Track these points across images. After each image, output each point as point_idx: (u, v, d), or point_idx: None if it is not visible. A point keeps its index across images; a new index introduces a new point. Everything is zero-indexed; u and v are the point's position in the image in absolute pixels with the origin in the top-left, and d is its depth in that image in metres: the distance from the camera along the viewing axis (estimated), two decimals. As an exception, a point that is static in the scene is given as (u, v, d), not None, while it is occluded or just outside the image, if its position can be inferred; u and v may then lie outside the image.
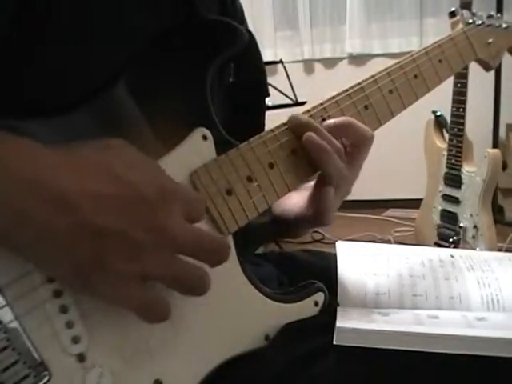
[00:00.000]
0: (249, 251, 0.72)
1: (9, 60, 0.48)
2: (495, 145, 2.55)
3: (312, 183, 0.62)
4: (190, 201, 0.46)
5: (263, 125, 0.68)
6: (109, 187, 0.41)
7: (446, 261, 0.67)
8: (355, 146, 0.60)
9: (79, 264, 0.40)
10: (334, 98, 0.61)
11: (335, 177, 0.58)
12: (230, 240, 0.53)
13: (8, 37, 0.47)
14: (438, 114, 2.12)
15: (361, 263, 0.67)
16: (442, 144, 2.10)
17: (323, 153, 0.56)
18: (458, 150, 2.01)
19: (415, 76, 0.68)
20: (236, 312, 0.52)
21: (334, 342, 0.50)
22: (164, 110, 0.53)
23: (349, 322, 0.52)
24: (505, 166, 2.58)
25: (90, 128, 0.49)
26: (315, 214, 0.61)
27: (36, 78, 0.49)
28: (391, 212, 2.97)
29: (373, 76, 0.65)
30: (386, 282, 0.63)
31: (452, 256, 0.68)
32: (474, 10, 0.82)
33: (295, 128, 0.57)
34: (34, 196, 0.39)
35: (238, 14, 0.70)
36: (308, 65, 3.16)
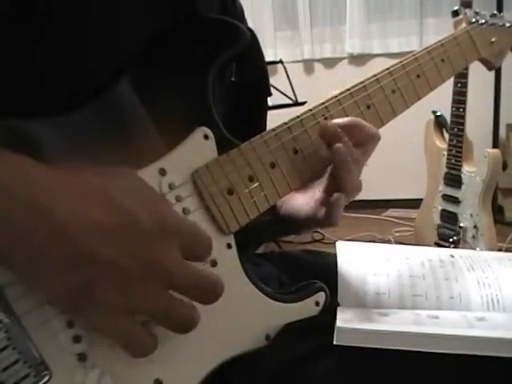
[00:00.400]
0: (249, 251, 0.72)
1: (9, 60, 0.48)
2: (495, 145, 2.55)
3: (318, 184, 0.62)
4: (193, 237, 0.44)
5: (265, 124, 0.68)
6: (106, 215, 0.40)
7: (446, 261, 0.67)
8: (361, 146, 0.60)
9: (69, 289, 0.40)
10: (336, 97, 0.61)
11: (350, 187, 0.59)
12: (231, 239, 0.53)
13: (8, 37, 0.47)
14: (438, 114, 2.11)
15: (361, 263, 0.67)
16: (441, 144, 2.10)
17: (347, 165, 0.57)
18: (457, 150, 2.01)
19: (418, 75, 0.68)
20: (237, 312, 0.52)
21: (334, 342, 0.50)
22: (165, 110, 0.53)
23: (349, 322, 0.52)
24: (505, 166, 2.58)
25: (91, 128, 0.49)
26: (326, 215, 0.61)
27: (36, 77, 0.49)
28: (391, 212, 2.97)
29: (375, 75, 0.64)
30: (386, 282, 0.63)
31: (452, 256, 0.69)
32: (477, 10, 0.81)
33: (327, 136, 0.58)
34: (30, 218, 0.38)
35: (239, 14, 0.70)
36: (308, 65, 3.16)
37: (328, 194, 0.60)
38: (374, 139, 0.61)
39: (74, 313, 0.42)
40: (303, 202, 0.65)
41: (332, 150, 0.57)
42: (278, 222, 0.68)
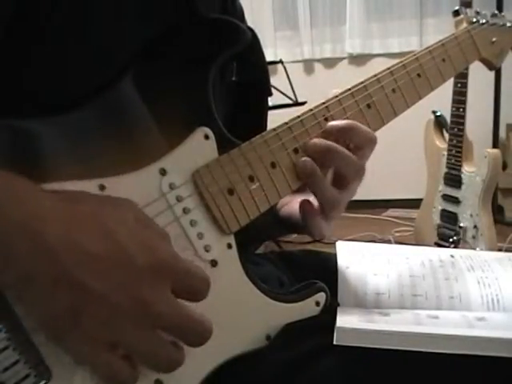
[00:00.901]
0: (249, 251, 0.72)
1: (9, 60, 0.48)
2: (495, 145, 2.56)
3: None
4: (188, 279, 0.43)
5: (265, 124, 0.68)
6: (98, 244, 0.40)
7: (446, 261, 0.67)
8: (358, 149, 0.60)
9: (53, 316, 0.39)
10: (336, 97, 0.61)
11: (322, 199, 0.59)
12: (232, 239, 0.53)
13: (8, 37, 0.47)
14: (438, 114, 2.11)
15: (361, 263, 0.67)
16: (442, 144, 2.10)
17: (313, 178, 0.57)
18: (457, 150, 2.01)
19: (418, 75, 0.68)
20: (237, 312, 0.52)
21: (334, 342, 0.50)
22: (166, 110, 0.52)
23: (349, 322, 0.52)
24: (505, 166, 2.58)
25: (91, 127, 0.49)
26: (307, 227, 0.61)
27: (36, 77, 0.49)
28: (391, 212, 2.97)
29: (375, 75, 0.64)
30: (386, 282, 0.63)
31: (452, 256, 0.69)
32: (477, 9, 0.81)
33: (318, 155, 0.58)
34: (21, 240, 0.38)
35: (238, 14, 0.70)
36: (308, 65, 3.16)
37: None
38: (371, 143, 0.61)
39: (55, 340, 0.41)
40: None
41: (299, 163, 0.57)
42: (279, 223, 0.68)
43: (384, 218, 2.90)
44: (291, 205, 0.66)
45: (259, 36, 0.64)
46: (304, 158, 0.57)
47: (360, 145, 0.60)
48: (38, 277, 0.38)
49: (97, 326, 0.40)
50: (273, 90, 1.93)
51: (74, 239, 0.39)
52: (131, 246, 0.41)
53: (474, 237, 1.98)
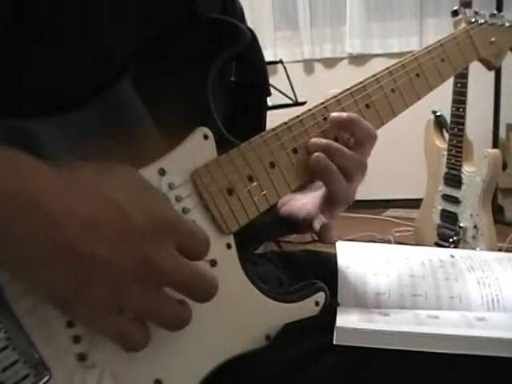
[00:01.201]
0: (249, 251, 0.72)
1: (9, 60, 0.48)
2: (495, 145, 2.56)
3: (318, 186, 0.62)
4: (190, 236, 0.44)
5: (264, 124, 0.68)
6: (99, 211, 0.40)
7: (446, 261, 0.67)
8: (359, 145, 0.60)
9: (60, 287, 0.40)
10: (335, 97, 0.61)
11: (339, 196, 0.59)
12: (231, 239, 0.53)
13: (8, 36, 0.47)
14: (438, 114, 2.11)
15: (361, 263, 0.67)
16: (442, 144, 2.10)
17: (328, 174, 0.57)
18: (457, 149, 2.01)
19: (417, 75, 0.68)
20: (237, 311, 0.52)
21: (334, 342, 0.50)
22: (165, 110, 0.53)
23: (349, 322, 0.52)
24: (505, 166, 2.58)
25: (92, 127, 0.49)
26: (318, 235, 0.62)
27: (36, 77, 0.49)
28: (391, 212, 2.97)
29: (374, 75, 0.64)
30: (386, 282, 0.63)
31: (452, 256, 0.69)
32: (476, 9, 0.82)
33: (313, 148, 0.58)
34: (20, 213, 0.38)
35: (238, 14, 0.70)
36: (308, 65, 3.16)
37: (326, 201, 0.60)
38: (371, 138, 0.60)
39: (64, 310, 0.42)
40: (303, 203, 0.65)
41: (312, 159, 0.57)
42: (278, 223, 0.68)
43: (384, 218, 2.90)
44: (291, 203, 0.66)
45: (259, 36, 0.64)
46: (316, 154, 0.57)
47: (360, 139, 0.60)
48: (40, 250, 0.38)
49: (104, 291, 0.40)
50: (273, 90, 1.93)
51: (75, 208, 0.39)
52: (132, 210, 0.41)
53: (473, 237, 1.98)
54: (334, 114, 0.59)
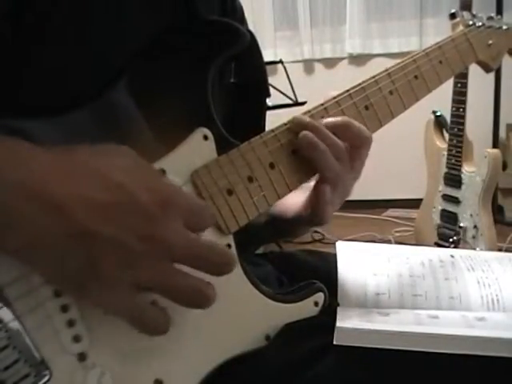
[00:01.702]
0: (249, 251, 0.72)
1: (8, 60, 0.48)
2: (495, 145, 2.55)
3: (311, 184, 0.62)
4: (193, 209, 0.44)
5: (264, 125, 0.68)
6: (104, 193, 0.40)
7: (446, 261, 0.67)
8: (353, 147, 0.60)
9: (71, 270, 0.40)
10: (334, 98, 0.61)
11: (329, 175, 0.58)
12: (231, 239, 0.53)
13: (8, 37, 0.47)
14: (438, 114, 2.11)
15: (361, 263, 0.67)
16: (442, 144, 2.10)
17: (315, 151, 0.56)
18: (458, 150, 2.01)
19: (415, 77, 0.68)
20: (236, 312, 0.53)
21: (334, 342, 0.51)
22: (165, 110, 0.53)
23: (349, 322, 0.53)
24: (505, 166, 2.58)
25: (91, 128, 0.49)
26: (312, 212, 0.60)
27: (36, 77, 0.50)
28: (391, 212, 2.97)
29: (373, 77, 0.65)
30: (386, 282, 0.63)
31: (452, 256, 0.69)
32: (475, 12, 0.82)
33: (297, 128, 0.57)
34: (24, 200, 0.38)
35: (238, 13, 0.70)
36: (308, 65, 3.16)
37: (315, 189, 0.60)
38: (366, 141, 0.60)
39: (80, 293, 0.42)
40: (294, 201, 0.65)
41: (298, 137, 0.56)
42: (271, 224, 0.68)
43: (384, 218, 2.90)
44: (282, 201, 0.66)
45: (259, 36, 0.64)
46: (304, 132, 0.56)
47: (354, 142, 0.60)
48: (49, 236, 0.39)
49: (116, 268, 0.40)
50: (273, 90, 1.94)
51: (79, 192, 0.39)
52: (135, 189, 0.41)
53: (474, 237, 1.98)
54: (326, 119, 0.59)
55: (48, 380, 0.43)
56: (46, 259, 0.40)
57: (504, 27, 0.83)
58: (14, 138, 0.40)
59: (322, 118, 0.60)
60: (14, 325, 0.42)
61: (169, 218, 0.42)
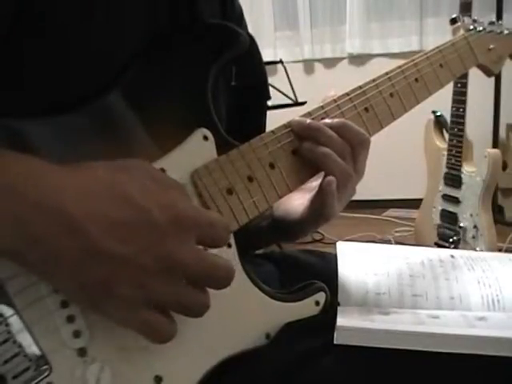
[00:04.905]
0: (249, 251, 0.72)
1: (8, 60, 0.48)
2: (495, 145, 2.55)
3: (313, 184, 0.62)
4: (210, 228, 0.45)
5: (264, 126, 0.68)
6: (119, 211, 0.41)
7: (446, 261, 0.67)
8: (353, 149, 0.60)
9: (85, 286, 0.41)
10: (335, 101, 0.62)
11: (340, 177, 0.58)
12: (232, 239, 0.53)
13: (7, 37, 0.47)
14: (438, 114, 2.11)
15: (361, 263, 0.67)
16: (442, 144, 2.10)
17: (325, 158, 0.57)
18: (458, 149, 2.01)
19: (416, 80, 0.69)
20: (237, 310, 0.53)
21: (335, 342, 0.51)
22: (165, 111, 0.53)
23: (349, 322, 0.53)
24: (505, 166, 2.58)
25: (92, 128, 0.49)
26: (318, 211, 0.60)
27: (36, 78, 0.50)
28: (391, 212, 2.97)
29: (374, 80, 0.65)
30: (386, 282, 0.64)
31: (452, 256, 0.69)
32: (475, 14, 0.83)
33: (298, 129, 0.58)
34: (42, 219, 0.39)
35: (237, 14, 0.70)
36: (308, 65, 3.16)
37: (322, 187, 0.59)
38: (364, 143, 0.60)
39: (93, 309, 0.43)
40: (299, 202, 0.65)
41: (303, 139, 0.57)
42: (274, 226, 0.68)
43: (384, 218, 2.90)
44: (286, 203, 0.66)
45: (259, 36, 0.64)
46: (309, 132, 0.57)
47: (352, 144, 0.60)
48: (65, 252, 0.39)
49: (130, 289, 0.41)
50: (273, 90, 1.93)
51: (95, 209, 0.40)
52: (150, 207, 0.41)
53: (474, 237, 1.98)
54: (323, 121, 0.59)
55: (48, 374, 0.43)
56: (60, 274, 0.41)
57: (505, 32, 0.83)
58: (27, 155, 0.41)
59: (322, 119, 0.60)
60: (14, 319, 0.42)
61: (183, 237, 0.43)
